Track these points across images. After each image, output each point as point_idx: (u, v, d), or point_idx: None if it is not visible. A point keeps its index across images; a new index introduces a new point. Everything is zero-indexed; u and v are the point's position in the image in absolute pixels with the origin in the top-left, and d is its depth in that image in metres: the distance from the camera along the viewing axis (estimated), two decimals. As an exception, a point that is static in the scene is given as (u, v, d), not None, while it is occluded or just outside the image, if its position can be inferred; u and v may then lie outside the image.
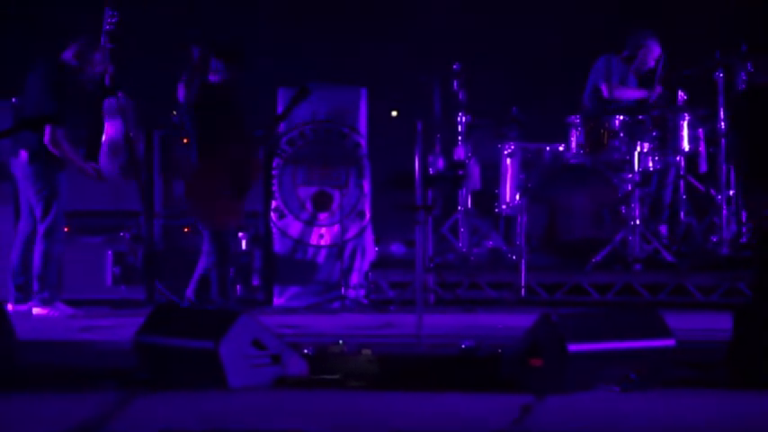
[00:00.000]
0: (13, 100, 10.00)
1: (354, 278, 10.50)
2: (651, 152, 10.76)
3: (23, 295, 9.63)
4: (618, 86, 11.07)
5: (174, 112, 10.51)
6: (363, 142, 10.63)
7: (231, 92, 9.64)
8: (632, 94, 11.13)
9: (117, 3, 9.87)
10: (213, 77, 9.63)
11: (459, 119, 10.96)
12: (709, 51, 10.73)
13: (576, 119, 10.87)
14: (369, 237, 10.63)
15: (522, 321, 7.65)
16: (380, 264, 10.61)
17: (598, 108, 11.08)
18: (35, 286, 9.54)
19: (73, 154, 9.54)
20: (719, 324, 7.51)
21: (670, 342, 6.30)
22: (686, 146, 10.72)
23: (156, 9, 12.03)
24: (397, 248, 11.25)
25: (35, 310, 9.51)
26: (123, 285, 10.27)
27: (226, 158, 9.44)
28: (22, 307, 9.58)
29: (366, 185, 10.57)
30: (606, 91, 11.07)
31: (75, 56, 9.63)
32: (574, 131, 10.89)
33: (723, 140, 10.72)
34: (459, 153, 10.90)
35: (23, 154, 9.49)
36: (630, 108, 11.05)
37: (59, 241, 9.58)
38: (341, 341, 6.84)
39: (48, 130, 9.37)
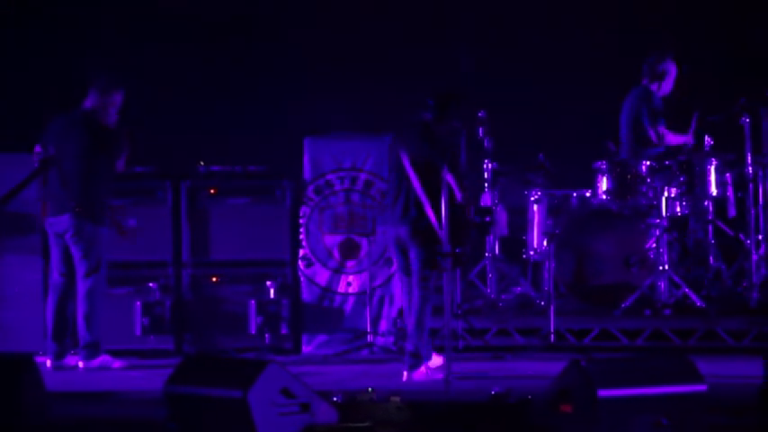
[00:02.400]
0: (37, 148, 9.88)
1: (383, 325, 10.50)
2: (679, 197, 10.74)
3: (61, 349, 9.64)
4: (665, 131, 11.08)
5: (202, 163, 10.57)
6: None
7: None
8: (676, 140, 11.11)
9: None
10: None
11: (485, 166, 10.97)
12: (734, 97, 10.73)
13: (603, 164, 10.87)
14: (397, 284, 10.62)
15: (551, 367, 7.64)
16: (409, 311, 10.58)
17: (638, 145, 11.06)
18: (83, 339, 9.54)
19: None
20: (751, 369, 7.47)
21: (701, 387, 6.27)
22: (714, 191, 10.69)
23: (173, 57, 12.15)
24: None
25: (81, 363, 9.53)
26: (152, 335, 10.28)
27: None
28: (61, 361, 9.60)
29: (393, 233, 10.58)
30: (655, 137, 11.07)
31: (98, 100, 9.66)
32: (600, 177, 10.89)
33: (751, 185, 10.70)
34: (486, 200, 10.91)
35: (67, 213, 9.51)
36: (657, 154, 11.04)
37: (103, 295, 9.63)
38: (370, 389, 6.83)
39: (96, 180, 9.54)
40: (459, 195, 8.76)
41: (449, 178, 8.45)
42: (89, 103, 9.69)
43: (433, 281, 8.88)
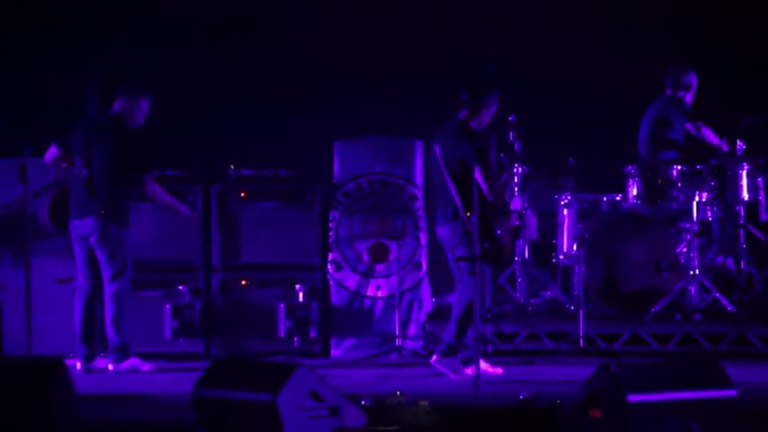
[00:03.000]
0: (53, 149, 9.88)
1: (411, 329, 10.49)
2: (710, 202, 10.69)
3: (90, 352, 9.68)
4: (704, 126, 11.08)
5: (232, 166, 10.59)
6: (419, 194, 10.66)
7: None
8: (713, 137, 11.10)
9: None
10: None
11: (515, 170, 10.96)
12: (766, 101, 10.68)
13: (633, 169, 10.84)
14: (425, 288, 10.63)
15: (580, 372, 7.61)
16: (437, 315, 10.58)
17: (661, 149, 11.05)
18: (112, 342, 9.57)
19: (168, 197, 9.77)
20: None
21: (731, 392, 6.24)
22: (746, 195, 10.64)
23: (203, 59, 12.20)
24: (453, 299, 11.22)
25: (111, 366, 9.57)
26: (182, 338, 10.30)
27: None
28: (91, 364, 9.63)
29: (422, 237, 10.58)
30: (694, 129, 11.05)
31: (126, 105, 9.70)
32: (631, 181, 10.86)
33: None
34: (516, 204, 10.89)
35: (91, 215, 9.55)
36: (689, 158, 11.00)
37: (130, 297, 9.66)
38: (398, 392, 6.83)
39: (147, 180, 9.60)
40: (488, 195, 8.82)
41: (478, 177, 8.64)
42: (117, 107, 9.72)
43: (482, 278, 8.92)
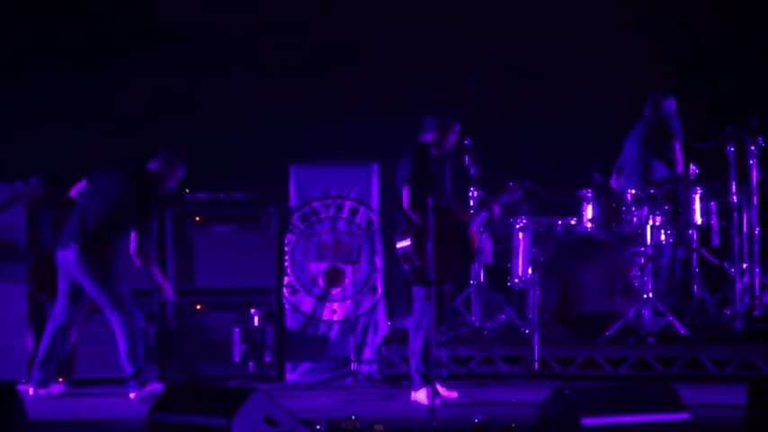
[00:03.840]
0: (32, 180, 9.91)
1: (367, 353, 10.49)
2: (663, 225, 10.77)
3: (45, 378, 9.58)
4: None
5: (187, 190, 10.57)
6: (375, 217, 10.67)
7: None
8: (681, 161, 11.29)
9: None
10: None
11: (470, 194, 10.99)
12: (720, 126, 10.78)
13: (588, 192, 10.91)
14: (381, 312, 10.63)
15: (535, 395, 7.63)
16: (393, 339, 10.59)
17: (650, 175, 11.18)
18: (128, 371, 9.48)
19: (156, 269, 9.67)
20: (734, 398, 7.48)
21: (684, 416, 6.28)
22: (699, 219, 10.72)
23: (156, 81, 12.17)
24: (409, 323, 11.22)
25: (133, 395, 9.48)
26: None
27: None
28: (42, 391, 9.55)
29: (378, 261, 10.59)
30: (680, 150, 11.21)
31: (161, 169, 9.69)
32: (585, 205, 10.93)
33: (735, 214, 10.73)
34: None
35: (73, 247, 9.49)
36: (642, 182, 11.10)
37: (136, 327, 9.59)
38: (354, 416, 6.83)
39: (135, 238, 9.42)
40: (413, 216, 8.89)
41: (404, 197, 8.90)
42: (154, 165, 9.69)
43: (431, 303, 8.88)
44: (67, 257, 9.47)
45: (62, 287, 9.63)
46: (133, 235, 9.38)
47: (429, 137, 9.18)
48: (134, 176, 9.62)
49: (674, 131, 11.20)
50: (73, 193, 9.73)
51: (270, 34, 12.44)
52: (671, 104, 11.31)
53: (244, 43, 12.40)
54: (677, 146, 11.20)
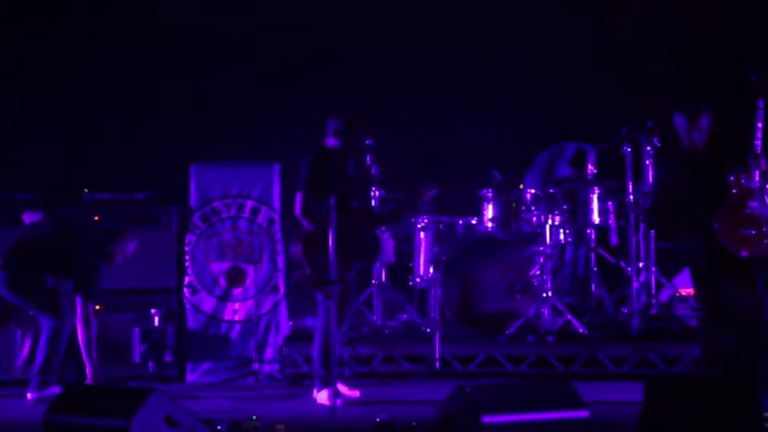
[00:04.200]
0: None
1: (269, 353, 10.45)
2: (562, 225, 10.88)
3: None
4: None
5: (86, 190, 10.45)
6: (277, 217, 10.64)
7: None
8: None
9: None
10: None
11: (372, 193, 11.01)
12: (616, 126, 10.91)
13: (489, 192, 10.99)
14: (283, 311, 10.60)
15: (436, 394, 7.66)
16: (295, 338, 10.57)
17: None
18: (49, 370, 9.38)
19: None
20: (632, 395, 7.58)
21: (584, 413, 6.35)
22: (596, 218, 10.85)
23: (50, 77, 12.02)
24: (311, 322, 11.21)
25: (30, 395, 9.33)
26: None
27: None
28: None
29: (280, 260, 10.56)
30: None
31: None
32: (486, 205, 11.01)
33: (632, 214, 10.88)
34: (374, 227, 10.94)
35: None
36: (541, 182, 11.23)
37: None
38: (255, 416, 6.80)
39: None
40: (302, 220, 8.93)
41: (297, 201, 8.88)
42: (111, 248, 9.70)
43: (327, 304, 8.87)
44: None
45: None
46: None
47: (330, 140, 9.15)
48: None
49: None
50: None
51: (172, 34, 12.36)
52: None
53: (147, 43, 12.30)
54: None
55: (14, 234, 9.82)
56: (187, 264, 10.53)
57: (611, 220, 10.98)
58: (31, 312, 9.42)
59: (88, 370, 9.46)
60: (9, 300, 9.42)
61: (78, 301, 9.42)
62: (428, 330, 10.70)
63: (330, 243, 8.19)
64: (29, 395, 9.28)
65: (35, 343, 9.85)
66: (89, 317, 9.43)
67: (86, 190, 10.47)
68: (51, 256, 9.44)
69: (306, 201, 8.90)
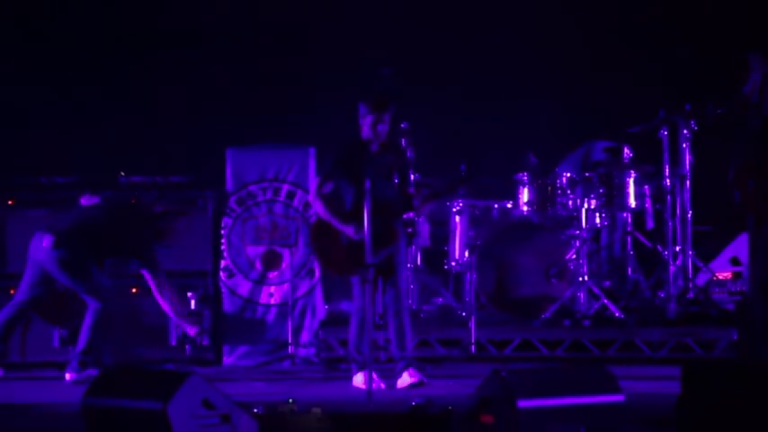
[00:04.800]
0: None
1: (304, 336, 10.48)
2: (598, 209, 10.85)
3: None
4: None
5: (122, 173, 10.50)
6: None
7: None
8: None
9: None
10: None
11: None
12: (653, 109, 10.86)
13: (524, 176, 10.96)
14: (319, 295, 10.62)
15: (472, 378, 7.66)
16: (330, 322, 10.59)
17: None
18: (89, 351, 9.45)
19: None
20: (668, 379, 7.55)
21: (619, 397, 6.33)
22: (633, 202, 10.81)
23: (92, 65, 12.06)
24: (347, 306, 11.22)
25: (68, 376, 9.40)
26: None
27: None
28: None
29: (315, 244, 10.57)
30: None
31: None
32: (521, 188, 10.98)
33: (668, 197, 10.83)
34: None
35: (48, 239, 9.44)
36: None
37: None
38: (291, 400, 6.81)
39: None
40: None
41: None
42: (84, 201, 9.75)
43: (359, 290, 8.84)
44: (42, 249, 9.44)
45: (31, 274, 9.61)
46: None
47: (362, 126, 9.00)
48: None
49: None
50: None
51: (209, 18, 12.38)
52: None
53: (181, 31, 12.33)
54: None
55: (50, 216, 9.90)
56: (223, 247, 10.56)
57: (648, 204, 10.94)
58: (81, 294, 9.46)
59: (185, 326, 9.71)
60: (59, 279, 9.45)
61: (148, 276, 9.49)
62: (463, 314, 10.70)
63: (366, 227, 8.13)
64: (67, 376, 9.34)
65: (75, 325, 9.91)
66: (163, 284, 9.52)
67: (123, 173, 10.51)
68: (112, 239, 9.51)
69: (319, 187, 8.83)
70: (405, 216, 8.99)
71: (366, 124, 8.89)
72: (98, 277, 9.45)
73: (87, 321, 9.43)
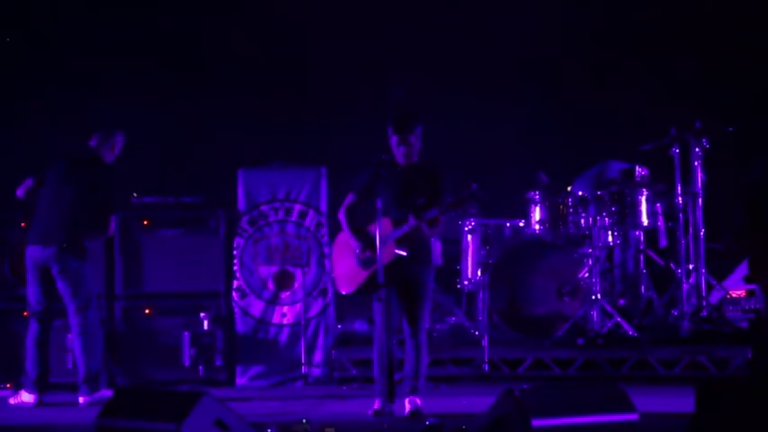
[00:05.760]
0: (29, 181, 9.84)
1: (317, 356, 10.47)
2: (610, 227, 10.84)
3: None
4: None
5: (135, 194, 10.53)
6: (325, 220, 10.66)
7: None
8: None
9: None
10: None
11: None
12: (665, 127, 10.86)
13: (536, 194, 10.96)
14: (331, 315, 10.62)
15: (485, 397, 7.65)
16: (343, 341, 10.59)
17: None
18: (82, 374, 9.38)
19: None
20: (682, 398, 7.54)
21: (633, 416, 6.32)
22: (645, 221, 10.80)
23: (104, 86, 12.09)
24: (360, 326, 11.24)
25: (81, 399, 9.37)
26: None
27: None
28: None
29: (328, 263, 10.58)
30: None
31: (99, 144, 9.65)
32: (533, 207, 10.99)
33: (681, 215, 10.82)
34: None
35: (55, 245, 9.41)
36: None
37: (97, 330, 9.51)
38: (304, 420, 6.82)
39: (114, 221, 9.48)
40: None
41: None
42: (93, 143, 9.64)
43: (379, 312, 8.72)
44: (45, 254, 9.39)
45: (35, 283, 9.55)
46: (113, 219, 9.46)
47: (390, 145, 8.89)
48: (83, 160, 9.57)
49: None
50: (20, 192, 9.65)
51: (219, 45, 12.42)
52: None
53: (191, 50, 12.37)
54: None
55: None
56: (235, 268, 10.57)
57: (660, 222, 10.93)
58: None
59: None
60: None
61: None
62: (476, 333, 10.70)
63: (377, 249, 8.10)
64: (81, 399, 9.34)
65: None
66: None
67: (135, 194, 10.54)
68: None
69: (349, 204, 8.77)
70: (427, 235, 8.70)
71: (392, 144, 8.69)
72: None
73: (78, 345, 9.40)
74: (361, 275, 8.51)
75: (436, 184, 8.53)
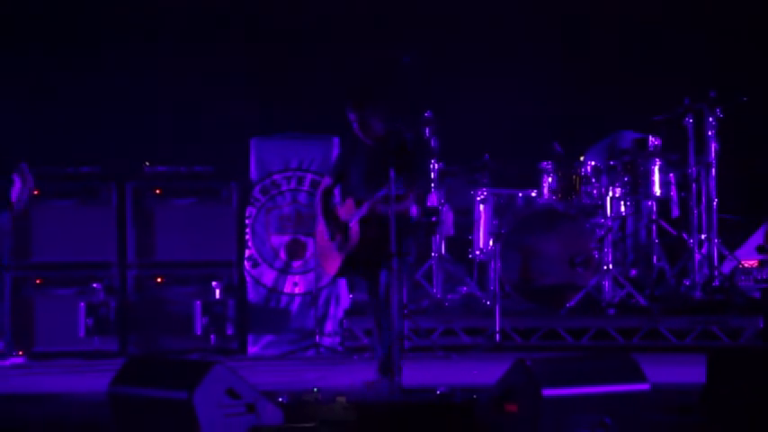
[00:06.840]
0: None
1: (329, 326, 10.49)
2: (623, 197, 10.82)
3: None
4: None
5: (147, 163, 10.53)
6: (337, 190, 10.63)
7: None
8: None
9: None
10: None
11: (431, 166, 10.99)
12: (678, 97, 10.82)
13: (548, 164, 10.93)
14: (343, 284, 10.63)
15: (496, 367, 7.65)
16: (355, 311, 10.60)
17: None
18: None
19: None
20: (693, 368, 7.53)
21: (645, 386, 6.31)
22: (658, 191, 10.77)
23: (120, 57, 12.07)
24: (371, 296, 11.24)
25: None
26: (96, 337, 10.21)
27: None
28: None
29: (339, 233, 10.57)
30: None
31: None
32: (546, 177, 10.96)
33: (693, 185, 10.79)
34: (433, 200, 10.94)
35: None
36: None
37: None
38: (316, 389, 6.83)
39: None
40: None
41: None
42: None
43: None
44: None
45: None
46: None
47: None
48: None
49: None
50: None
51: (234, 10, 12.37)
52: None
53: (204, 18, 12.33)
54: None
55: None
56: (248, 237, 10.58)
57: (673, 192, 10.90)
58: None
59: None
60: None
61: None
62: (488, 303, 10.70)
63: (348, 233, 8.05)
64: None
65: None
66: None
67: (147, 163, 10.54)
68: None
69: (324, 188, 8.60)
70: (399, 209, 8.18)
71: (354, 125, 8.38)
72: None
73: None
74: (338, 259, 8.40)
75: (404, 160, 8.02)
